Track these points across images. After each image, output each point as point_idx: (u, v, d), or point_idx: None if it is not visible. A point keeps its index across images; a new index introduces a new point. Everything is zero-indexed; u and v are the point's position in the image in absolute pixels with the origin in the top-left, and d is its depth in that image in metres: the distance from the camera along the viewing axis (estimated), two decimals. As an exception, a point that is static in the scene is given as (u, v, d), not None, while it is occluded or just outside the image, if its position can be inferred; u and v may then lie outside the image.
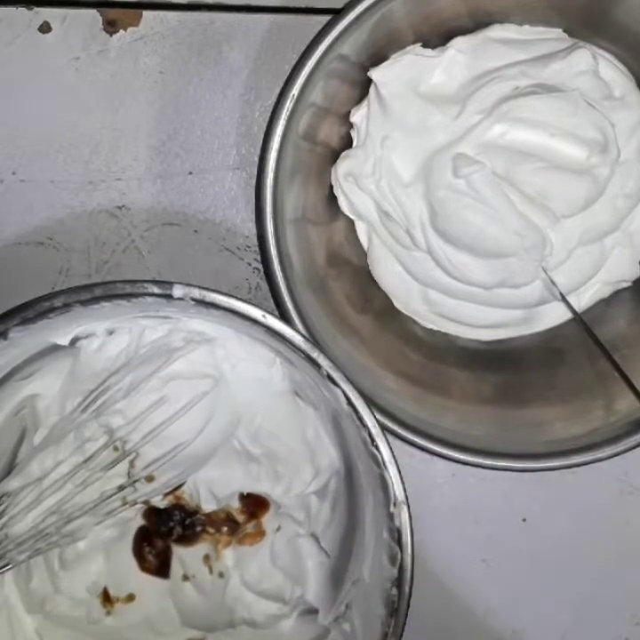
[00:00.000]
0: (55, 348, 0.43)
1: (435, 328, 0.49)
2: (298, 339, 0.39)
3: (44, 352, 0.43)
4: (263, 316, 0.39)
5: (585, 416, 0.45)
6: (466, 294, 0.47)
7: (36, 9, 0.48)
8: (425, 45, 0.46)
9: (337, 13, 0.41)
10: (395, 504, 0.38)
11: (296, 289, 0.43)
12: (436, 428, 0.44)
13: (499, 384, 0.48)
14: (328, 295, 0.47)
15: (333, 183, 0.47)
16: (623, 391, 0.43)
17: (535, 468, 0.44)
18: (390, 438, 0.41)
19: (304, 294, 0.44)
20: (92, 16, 0.48)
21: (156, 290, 0.39)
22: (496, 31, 0.46)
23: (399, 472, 0.38)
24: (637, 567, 0.52)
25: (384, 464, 0.38)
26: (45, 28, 0.48)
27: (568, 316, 0.48)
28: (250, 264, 0.50)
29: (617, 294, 0.49)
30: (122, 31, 0.49)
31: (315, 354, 0.39)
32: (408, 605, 0.39)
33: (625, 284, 0.48)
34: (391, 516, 0.39)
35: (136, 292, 0.39)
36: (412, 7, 0.43)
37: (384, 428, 0.40)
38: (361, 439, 0.39)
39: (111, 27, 0.49)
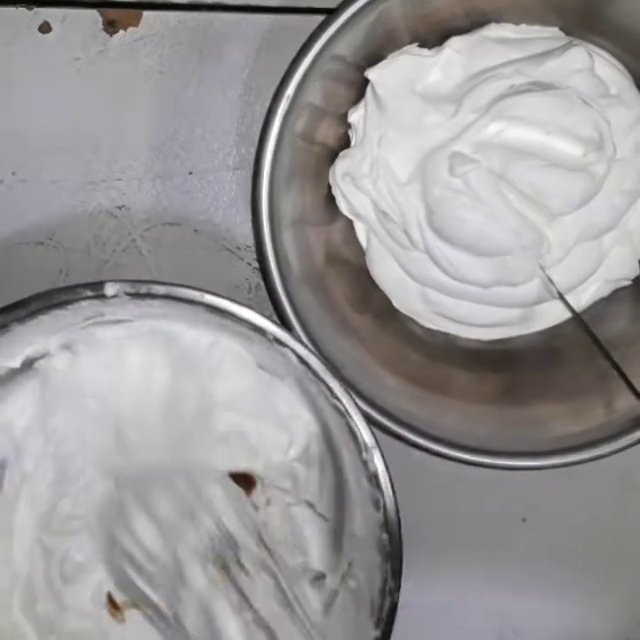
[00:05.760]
0: (11, 374, 0.42)
1: (434, 327, 0.49)
2: (241, 310, 0.39)
3: None
4: (201, 295, 0.39)
5: (585, 414, 0.45)
6: (464, 293, 0.47)
7: (36, 9, 0.48)
8: (421, 45, 0.46)
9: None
10: (366, 450, 0.39)
11: (294, 290, 0.43)
12: (436, 427, 0.44)
13: (499, 383, 0.48)
14: (327, 295, 0.47)
15: (331, 183, 0.47)
16: (623, 389, 0.43)
17: (536, 467, 0.44)
18: (391, 439, 0.41)
19: (303, 295, 0.44)
20: (92, 16, 0.48)
21: (88, 292, 0.38)
22: (492, 30, 0.46)
23: (365, 419, 0.39)
24: (638, 566, 0.52)
25: (348, 413, 0.39)
26: (45, 28, 0.48)
27: (567, 314, 0.48)
28: (250, 264, 0.50)
29: (616, 293, 0.49)
30: (122, 31, 0.49)
31: (260, 321, 0.39)
32: (401, 548, 0.39)
33: (624, 283, 0.48)
34: (365, 463, 0.39)
35: (70, 299, 0.38)
36: (408, 7, 0.43)
37: (385, 430, 0.41)
38: (322, 394, 0.39)
39: (111, 27, 0.49)
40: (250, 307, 0.39)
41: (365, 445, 0.39)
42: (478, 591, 0.52)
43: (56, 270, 0.49)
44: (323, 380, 0.39)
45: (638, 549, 0.52)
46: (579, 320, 0.47)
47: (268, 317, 0.39)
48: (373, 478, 0.39)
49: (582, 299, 0.48)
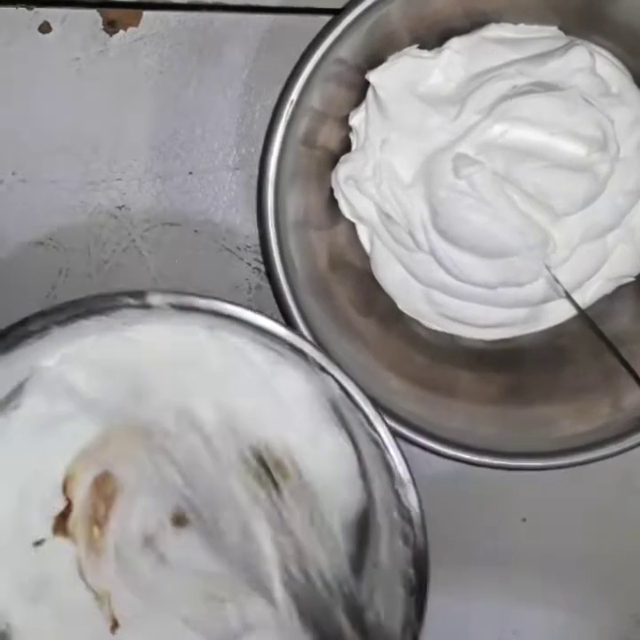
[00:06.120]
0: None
1: (439, 329, 0.49)
2: (283, 331, 0.39)
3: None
4: (254, 316, 0.39)
5: (592, 413, 0.45)
6: (469, 294, 0.47)
7: (36, 9, 0.48)
8: (421, 46, 0.46)
9: (337, 14, 0.41)
10: (401, 484, 0.39)
11: (299, 294, 0.43)
12: (442, 429, 0.44)
13: (504, 383, 0.48)
14: (331, 299, 0.47)
15: (334, 187, 0.47)
16: (629, 387, 0.43)
17: (543, 467, 0.44)
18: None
19: (307, 299, 0.44)
20: (91, 16, 0.48)
21: (131, 301, 0.38)
22: (492, 31, 0.46)
23: (401, 452, 0.39)
24: (638, 567, 0.52)
25: (384, 445, 0.38)
26: (45, 28, 0.48)
27: (572, 312, 0.48)
28: (250, 264, 0.50)
29: (620, 290, 0.49)
30: (122, 31, 0.49)
31: (300, 344, 0.39)
32: (427, 583, 0.39)
33: (628, 280, 0.48)
34: (399, 497, 0.39)
35: (113, 306, 0.38)
36: (408, 9, 0.43)
37: (395, 433, 0.40)
38: (358, 422, 0.39)
39: (111, 27, 0.48)
40: (291, 329, 0.39)
41: (401, 479, 0.38)
42: (478, 591, 0.52)
43: (56, 270, 0.49)
44: (360, 409, 0.39)
45: (638, 550, 0.52)
46: (586, 318, 0.47)
47: (306, 339, 0.39)
48: (406, 512, 0.39)
49: (586, 296, 0.48)
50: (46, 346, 0.40)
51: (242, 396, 0.43)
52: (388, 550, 0.41)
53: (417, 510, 0.39)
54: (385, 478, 0.39)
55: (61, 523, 0.43)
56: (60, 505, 0.43)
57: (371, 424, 0.38)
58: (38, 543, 0.43)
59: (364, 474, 0.43)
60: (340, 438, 0.43)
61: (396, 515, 0.39)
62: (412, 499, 0.38)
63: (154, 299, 0.38)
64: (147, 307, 0.38)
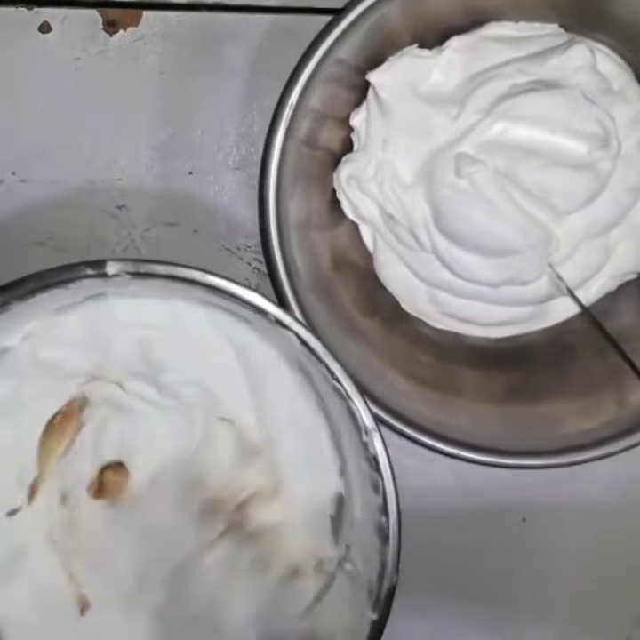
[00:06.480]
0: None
1: (443, 328, 0.49)
2: (244, 292, 0.39)
3: None
4: (202, 275, 0.39)
5: (597, 410, 0.45)
6: (473, 293, 0.47)
7: (36, 9, 0.48)
8: (421, 46, 0.46)
9: (337, 13, 0.41)
10: (366, 433, 0.39)
11: (302, 295, 0.43)
12: (447, 428, 0.44)
13: (509, 381, 0.48)
14: (335, 300, 0.47)
15: (336, 188, 0.47)
16: (634, 384, 0.43)
17: (549, 465, 0.44)
18: (399, 439, 0.42)
19: (310, 300, 0.44)
20: (91, 16, 0.48)
21: (89, 271, 0.38)
22: (492, 29, 0.46)
23: (365, 402, 0.39)
24: (638, 566, 0.52)
25: (348, 396, 0.39)
26: (45, 28, 0.48)
27: (576, 310, 0.48)
28: (250, 264, 0.50)
29: (624, 287, 0.49)
30: (122, 31, 0.49)
31: (262, 303, 0.39)
32: (399, 530, 0.39)
33: (631, 277, 0.48)
34: (365, 446, 0.39)
35: (72, 277, 0.38)
36: (407, 8, 0.43)
37: (400, 433, 0.42)
38: (322, 376, 0.39)
39: (111, 27, 0.49)
40: (251, 288, 0.39)
41: (366, 428, 0.39)
42: (477, 591, 0.52)
43: (56, 270, 0.49)
44: (323, 362, 0.39)
45: (638, 550, 0.52)
46: (589, 315, 0.47)
47: (269, 299, 0.39)
48: (373, 460, 0.39)
49: (589, 294, 0.48)
50: (7, 324, 0.40)
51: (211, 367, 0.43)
52: (361, 502, 0.41)
53: (383, 457, 0.39)
54: (351, 430, 0.40)
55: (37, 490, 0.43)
56: (34, 473, 0.43)
57: (334, 376, 0.39)
58: (12, 513, 0.43)
59: (336, 434, 0.43)
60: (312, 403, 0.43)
61: (364, 464, 0.40)
62: (377, 446, 0.39)
63: (111, 267, 0.38)
64: (104, 275, 0.38)
